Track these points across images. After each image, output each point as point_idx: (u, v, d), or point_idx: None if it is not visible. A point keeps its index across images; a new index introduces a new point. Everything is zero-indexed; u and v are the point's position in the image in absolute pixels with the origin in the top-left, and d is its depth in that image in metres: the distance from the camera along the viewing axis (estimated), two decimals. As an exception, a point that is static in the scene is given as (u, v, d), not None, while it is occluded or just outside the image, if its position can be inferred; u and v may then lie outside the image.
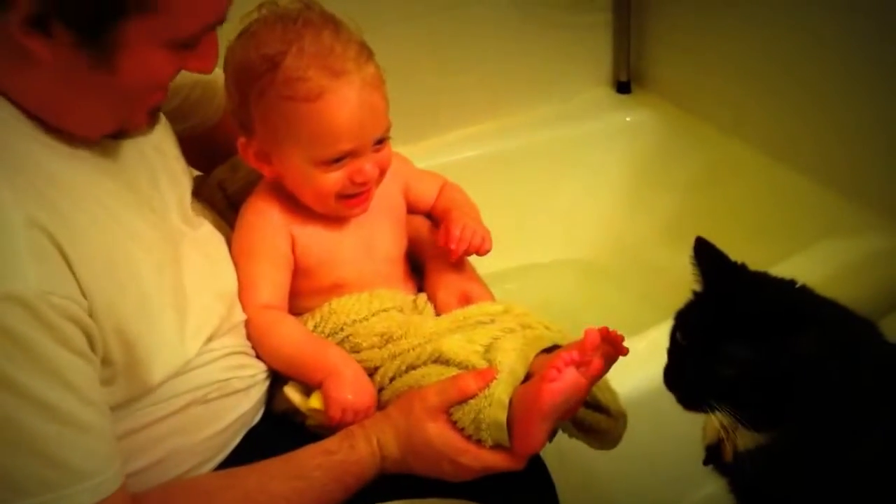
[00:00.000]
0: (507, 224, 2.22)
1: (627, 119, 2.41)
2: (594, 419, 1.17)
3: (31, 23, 0.94)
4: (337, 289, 1.27)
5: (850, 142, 1.95)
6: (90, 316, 0.99)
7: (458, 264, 1.34)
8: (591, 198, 2.39)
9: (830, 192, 1.99)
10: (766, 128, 2.13)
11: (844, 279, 1.74)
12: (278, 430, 1.23)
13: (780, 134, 2.10)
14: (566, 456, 1.22)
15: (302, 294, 1.28)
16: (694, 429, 1.16)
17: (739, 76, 2.16)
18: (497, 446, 1.10)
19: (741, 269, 1.09)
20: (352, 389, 1.17)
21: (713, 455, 1.11)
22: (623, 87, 2.46)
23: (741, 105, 2.18)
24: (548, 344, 1.17)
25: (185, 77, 1.13)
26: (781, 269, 1.70)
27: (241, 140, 1.23)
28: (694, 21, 2.26)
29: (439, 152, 2.22)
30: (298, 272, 1.27)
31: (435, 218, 1.39)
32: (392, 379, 1.20)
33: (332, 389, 1.17)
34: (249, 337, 1.24)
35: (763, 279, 1.08)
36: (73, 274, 0.98)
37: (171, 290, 1.11)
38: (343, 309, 1.25)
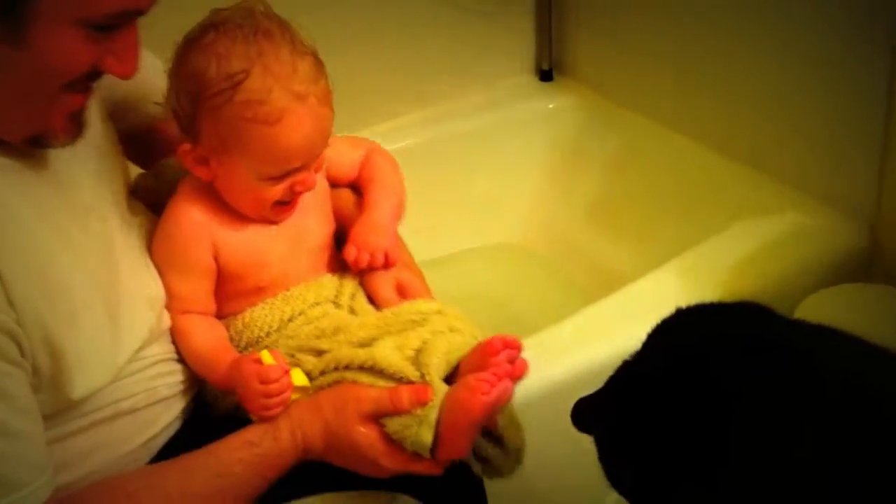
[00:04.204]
0: (436, 212, 2.25)
1: (550, 106, 2.38)
2: (487, 450, 1.12)
3: None
4: (258, 292, 1.20)
5: (766, 121, 1.92)
6: (19, 326, 0.95)
7: None
8: (516, 183, 2.37)
9: (748, 171, 1.97)
10: (683, 110, 2.11)
11: (763, 258, 1.72)
12: (210, 432, 1.14)
13: (696, 116, 2.08)
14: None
15: (219, 299, 1.21)
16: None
17: (656, 62, 2.14)
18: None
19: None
20: (252, 399, 1.09)
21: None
22: (545, 75, 2.43)
23: (659, 89, 2.16)
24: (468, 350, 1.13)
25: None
26: (701, 249, 1.71)
27: (185, 145, 1.14)
28: (613, 11, 2.24)
29: (369, 144, 2.17)
30: (222, 277, 1.19)
31: (358, 191, 1.31)
32: (322, 372, 1.12)
33: (244, 401, 1.10)
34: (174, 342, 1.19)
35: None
36: (3, 285, 0.93)
37: (104, 301, 1.06)
38: (255, 323, 1.18)
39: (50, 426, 1.01)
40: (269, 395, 1.08)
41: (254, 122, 1.09)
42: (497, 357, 1.06)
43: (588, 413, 0.96)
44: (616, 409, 0.92)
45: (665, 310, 0.97)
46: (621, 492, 0.93)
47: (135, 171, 1.29)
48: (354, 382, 1.10)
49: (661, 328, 0.97)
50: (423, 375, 1.08)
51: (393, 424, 1.06)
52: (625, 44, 2.22)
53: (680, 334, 0.96)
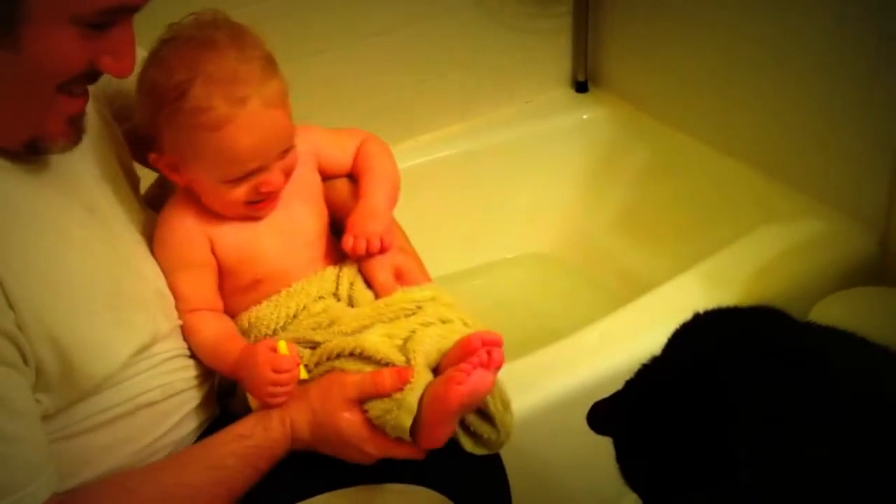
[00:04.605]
0: (474, 221, 2.32)
1: (584, 117, 2.39)
2: (479, 426, 1.14)
3: None
4: (257, 285, 1.22)
5: (788, 133, 1.96)
6: (19, 328, 0.95)
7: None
8: (551, 193, 2.38)
9: (769, 181, 2.00)
10: (712, 122, 2.14)
11: (781, 263, 1.76)
12: None
13: (723, 127, 2.11)
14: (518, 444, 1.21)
15: (222, 297, 1.23)
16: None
17: (687, 75, 2.18)
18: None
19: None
20: (261, 385, 1.12)
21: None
22: (581, 87, 2.46)
23: (689, 101, 2.19)
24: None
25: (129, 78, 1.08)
26: (722, 255, 1.77)
27: (153, 155, 1.18)
28: (646, 26, 2.27)
29: (413, 154, 2.22)
30: (221, 273, 1.22)
31: (353, 180, 1.32)
32: (316, 364, 1.15)
33: (251, 387, 1.13)
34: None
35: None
36: (2, 288, 0.94)
37: (107, 296, 1.07)
38: (261, 322, 1.21)
39: (66, 424, 1.03)
40: (278, 384, 1.10)
41: (201, 128, 1.11)
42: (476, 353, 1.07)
43: (603, 416, 1.00)
44: (631, 411, 0.97)
45: (687, 313, 1.02)
46: (638, 492, 0.97)
47: (139, 170, 1.30)
48: (343, 371, 1.11)
49: (678, 333, 1.02)
50: (408, 360, 1.10)
51: (374, 409, 1.08)
52: (659, 56, 2.24)
53: (695, 338, 1.01)
